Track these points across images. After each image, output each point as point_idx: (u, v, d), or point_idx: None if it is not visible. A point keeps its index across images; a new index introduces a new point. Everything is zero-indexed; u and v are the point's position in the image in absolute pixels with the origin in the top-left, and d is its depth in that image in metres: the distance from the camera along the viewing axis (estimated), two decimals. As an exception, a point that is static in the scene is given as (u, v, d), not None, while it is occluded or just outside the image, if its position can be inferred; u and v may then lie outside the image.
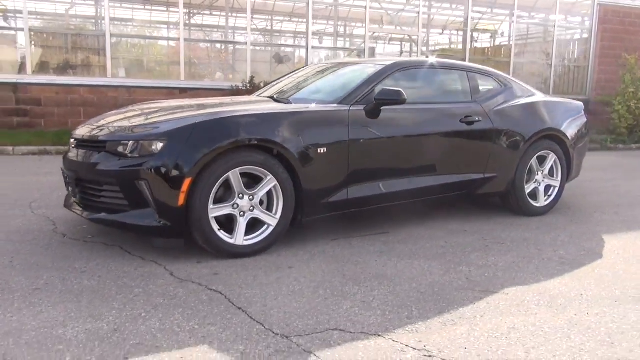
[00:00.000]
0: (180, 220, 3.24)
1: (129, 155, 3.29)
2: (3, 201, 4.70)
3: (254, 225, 3.51)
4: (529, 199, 4.79)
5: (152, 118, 3.66)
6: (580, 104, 5.40)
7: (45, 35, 11.08)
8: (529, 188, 4.79)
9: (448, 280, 3.17)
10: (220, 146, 3.25)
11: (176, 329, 2.43)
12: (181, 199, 3.19)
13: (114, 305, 2.65)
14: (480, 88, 4.68)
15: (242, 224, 3.43)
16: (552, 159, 4.89)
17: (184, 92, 9.94)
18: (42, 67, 9.97)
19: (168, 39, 14.46)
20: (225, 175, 3.31)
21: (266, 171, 3.44)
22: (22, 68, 9.61)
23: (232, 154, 3.32)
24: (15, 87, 9.24)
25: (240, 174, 3.39)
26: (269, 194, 3.53)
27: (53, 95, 9.41)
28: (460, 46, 14.63)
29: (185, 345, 2.28)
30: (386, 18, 13.55)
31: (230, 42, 14.43)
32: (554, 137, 4.88)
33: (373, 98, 3.89)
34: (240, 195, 3.41)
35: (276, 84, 5.02)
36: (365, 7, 11.55)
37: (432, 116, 4.27)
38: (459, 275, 3.27)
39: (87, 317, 2.51)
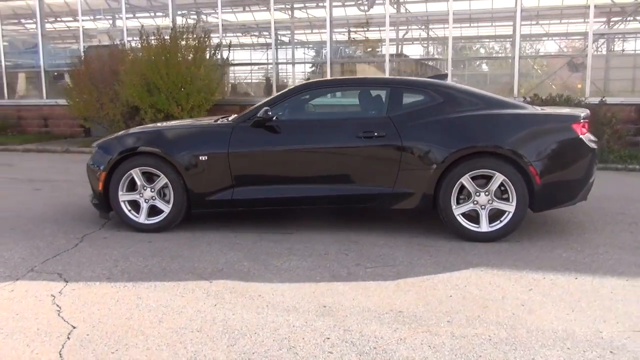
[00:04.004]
0: (102, 201, 4.90)
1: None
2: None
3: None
4: (461, 222, 4.43)
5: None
6: (568, 116, 4.43)
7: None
8: (461, 209, 4.43)
9: (204, 268, 3.86)
10: (119, 153, 4.76)
11: (5, 254, 4.16)
12: (100, 186, 4.85)
13: (25, 240, 4.54)
14: (404, 102, 4.62)
15: (144, 208, 4.84)
16: (498, 179, 4.34)
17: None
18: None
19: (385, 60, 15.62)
20: (128, 172, 4.79)
21: (158, 171, 4.75)
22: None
23: (132, 157, 4.78)
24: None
25: (144, 172, 4.81)
26: (168, 188, 4.81)
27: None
28: None
29: (-11, 262, 4.01)
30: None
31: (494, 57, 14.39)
32: (499, 155, 4.34)
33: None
34: (144, 187, 4.82)
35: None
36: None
37: (323, 131, 4.63)
38: (221, 267, 3.87)
39: (2, 242, 4.50)
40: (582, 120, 4.43)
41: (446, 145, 4.37)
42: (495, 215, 4.44)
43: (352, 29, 19.14)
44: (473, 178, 4.41)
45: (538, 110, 4.66)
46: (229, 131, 4.71)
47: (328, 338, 2.75)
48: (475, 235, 4.41)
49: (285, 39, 17.30)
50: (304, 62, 16.09)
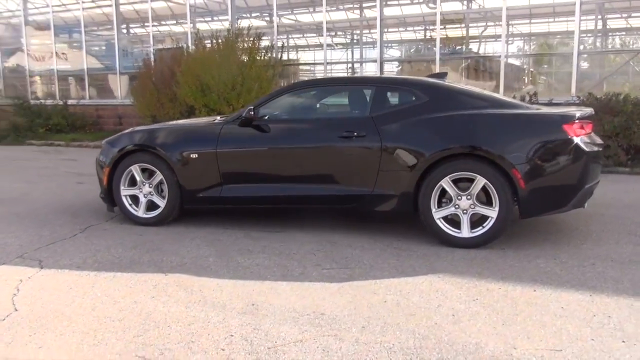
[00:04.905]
0: (107, 195, 5.21)
1: (107, 152, 5.48)
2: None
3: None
4: (441, 226, 4.26)
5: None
6: (559, 117, 4.09)
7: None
8: (441, 213, 4.26)
9: (171, 261, 4.02)
10: (120, 150, 5.04)
11: (9, 241, 4.55)
12: (105, 181, 5.17)
13: (34, 229, 4.95)
14: (388, 102, 4.51)
15: (143, 202, 5.10)
16: (479, 183, 4.13)
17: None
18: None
19: (488, 55, 14.91)
20: (129, 168, 5.07)
21: (155, 168, 4.99)
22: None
23: (131, 154, 5.05)
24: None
25: (143, 168, 5.07)
26: (164, 184, 5.03)
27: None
28: None
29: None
30: None
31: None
32: (480, 157, 4.13)
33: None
34: (143, 183, 5.08)
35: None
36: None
37: (307, 130, 4.62)
38: (186, 261, 4.01)
39: (15, 230, 4.93)
40: (577, 121, 4.10)
41: (425, 146, 4.22)
42: (479, 221, 4.23)
43: (428, 27, 18.81)
44: (456, 181, 4.22)
45: (532, 110, 4.36)
46: (217, 130, 4.84)
47: (232, 335, 2.78)
48: (455, 241, 4.23)
49: (358, 38, 17.46)
50: (352, 62, 15.98)
